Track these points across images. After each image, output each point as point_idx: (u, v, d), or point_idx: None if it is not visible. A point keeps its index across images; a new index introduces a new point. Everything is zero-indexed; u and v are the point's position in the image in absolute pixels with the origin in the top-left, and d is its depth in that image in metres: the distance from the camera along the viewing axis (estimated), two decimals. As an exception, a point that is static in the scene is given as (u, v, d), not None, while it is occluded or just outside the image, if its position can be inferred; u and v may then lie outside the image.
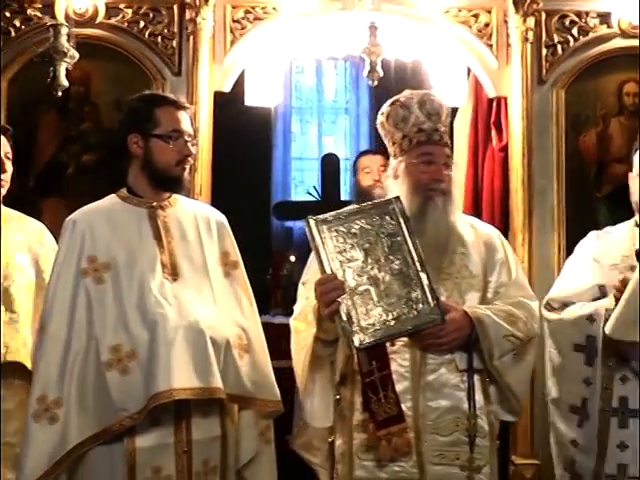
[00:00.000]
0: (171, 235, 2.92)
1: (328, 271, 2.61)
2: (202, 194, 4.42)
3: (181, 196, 3.05)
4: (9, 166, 3.41)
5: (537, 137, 4.59)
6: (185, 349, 2.74)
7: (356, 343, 2.58)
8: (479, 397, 2.79)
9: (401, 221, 2.70)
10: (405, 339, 2.76)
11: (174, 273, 2.86)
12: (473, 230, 2.99)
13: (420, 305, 2.65)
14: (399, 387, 2.72)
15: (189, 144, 2.89)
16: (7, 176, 3.40)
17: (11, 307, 3.32)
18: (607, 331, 2.97)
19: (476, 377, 2.80)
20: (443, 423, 2.75)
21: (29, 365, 3.20)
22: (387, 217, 2.70)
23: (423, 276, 2.66)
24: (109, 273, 2.82)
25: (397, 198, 2.74)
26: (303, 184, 8.17)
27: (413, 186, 2.85)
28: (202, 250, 2.95)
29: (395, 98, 2.94)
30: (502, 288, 2.93)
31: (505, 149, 4.74)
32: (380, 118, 2.98)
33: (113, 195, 2.98)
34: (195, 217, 3.00)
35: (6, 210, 3.48)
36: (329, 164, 7.48)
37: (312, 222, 2.64)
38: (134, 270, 2.82)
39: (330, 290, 2.58)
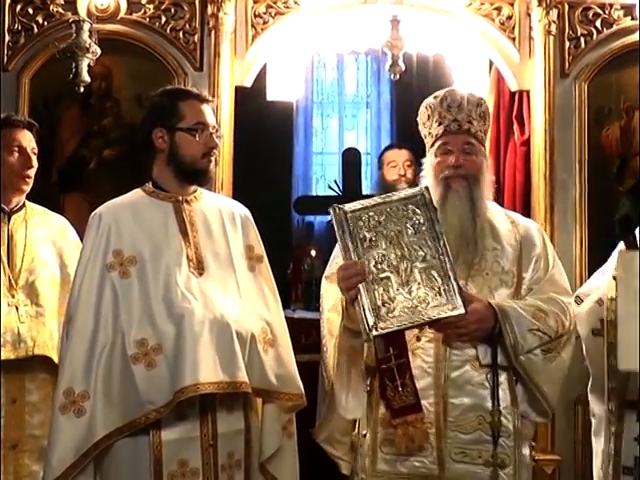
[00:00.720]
0: (196, 229, 2.91)
1: (350, 258, 2.61)
2: (223, 189, 4.43)
3: (206, 190, 3.06)
4: (35, 162, 3.44)
5: (559, 131, 4.56)
6: (211, 343, 2.74)
7: (371, 329, 2.57)
8: (504, 396, 2.75)
9: (427, 211, 2.68)
10: (431, 334, 2.75)
11: (200, 267, 2.86)
12: (511, 223, 2.96)
13: (441, 295, 2.62)
14: (422, 383, 2.70)
15: (214, 136, 2.89)
16: (33, 172, 3.44)
17: (37, 301, 3.36)
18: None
19: (503, 376, 2.76)
20: (465, 421, 2.72)
21: (55, 358, 3.24)
22: (413, 207, 2.68)
23: (446, 266, 2.64)
24: (135, 267, 2.81)
25: (426, 188, 2.73)
26: (324, 178, 8.14)
27: (433, 178, 2.86)
28: (227, 244, 2.94)
29: (425, 101, 2.98)
30: (536, 285, 2.89)
31: (527, 143, 4.72)
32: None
33: (138, 189, 2.98)
34: (220, 211, 3.00)
35: (30, 205, 3.52)
36: (350, 158, 7.45)
37: (336, 210, 2.65)
38: (160, 264, 2.81)
39: (351, 276, 2.58)
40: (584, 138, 4.57)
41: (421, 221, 2.67)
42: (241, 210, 3.07)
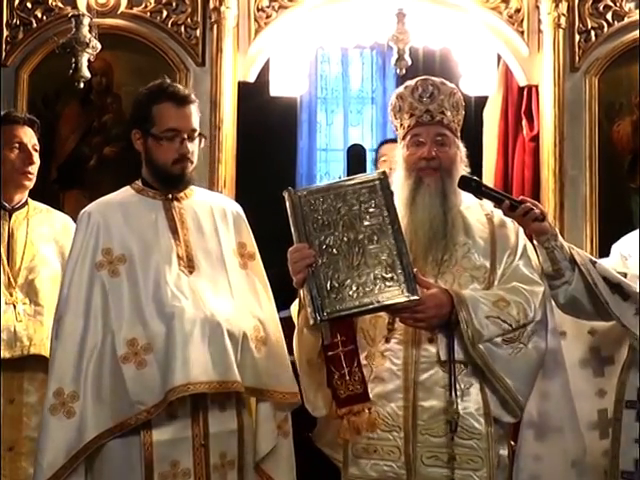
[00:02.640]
0: (187, 227, 2.90)
1: (300, 241, 2.58)
2: (226, 185, 4.41)
3: (197, 187, 3.04)
4: (37, 158, 3.43)
5: (569, 126, 4.52)
6: (202, 342, 2.73)
7: (317, 314, 2.52)
8: (476, 398, 2.70)
9: (383, 196, 2.64)
10: (400, 336, 2.71)
11: (190, 265, 2.84)
12: (485, 216, 2.90)
13: (394, 280, 2.57)
14: (390, 386, 2.70)
15: (186, 142, 2.84)
16: (35, 168, 3.43)
17: (36, 300, 3.34)
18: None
19: (474, 378, 2.71)
20: (436, 424, 2.68)
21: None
22: (369, 191, 2.65)
23: (401, 251, 2.59)
24: (124, 266, 2.81)
25: (382, 173, 2.71)
26: (328, 175, 8.10)
27: (403, 171, 2.84)
28: (218, 242, 2.93)
29: (395, 91, 2.95)
30: (504, 277, 2.83)
31: (536, 139, 4.68)
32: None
33: (128, 187, 2.97)
34: (211, 208, 2.98)
35: (33, 203, 3.51)
36: (355, 155, 7.41)
37: (288, 193, 2.64)
38: (150, 263, 2.81)
39: (299, 259, 2.56)
40: (594, 134, 4.52)
41: (376, 205, 2.64)
42: (233, 207, 3.06)
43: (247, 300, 2.91)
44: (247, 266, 2.97)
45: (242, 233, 3.01)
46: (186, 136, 2.84)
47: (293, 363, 2.94)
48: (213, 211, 2.97)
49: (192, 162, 2.88)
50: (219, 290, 2.85)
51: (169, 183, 2.90)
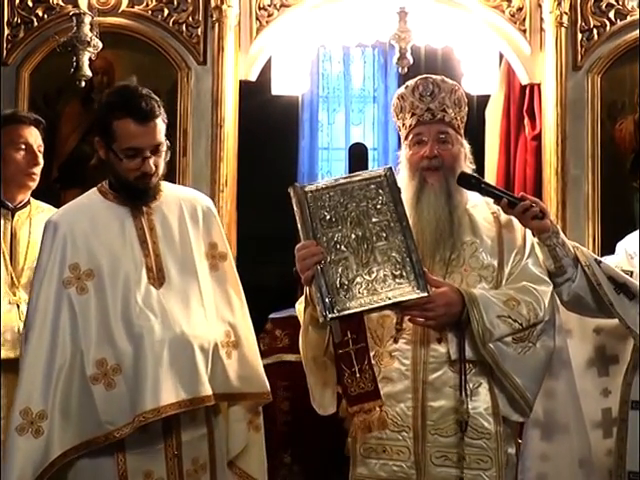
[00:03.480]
0: (156, 235, 2.82)
1: (308, 238, 2.56)
2: (227, 184, 4.38)
3: (166, 182, 2.93)
4: (41, 159, 3.41)
5: (571, 125, 4.50)
6: (171, 363, 2.68)
7: (328, 311, 2.50)
8: (485, 398, 2.70)
9: (390, 192, 2.63)
10: (408, 336, 2.70)
11: (160, 277, 2.78)
12: (492, 214, 2.88)
13: (403, 277, 2.56)
14: (399, 386, 2.69)
15: (148, 160, 2.72)
16: (39, 169, 3.41)
17: (35, 302, 3.30)
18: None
19: (483, 378, 2.70)
20: (445, 424, 2.67)
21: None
22: (376, 187, 2.63)
23: (410, 248, 2.58)
24: (92, 282, 2.73)
25: (389, 169, 2.68)
26: (330, 174, 8.09)
27: (407, 171, 2.82)
28: (189, 247, 2.85)
29: (396, 91, 2.94)
30: (512, 276, 2.81)
31: (538, 138, 4.67)
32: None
33: (95, 190, 2.89)
34: (181, 207, 2.88)
35: (35, 202, 3.49)
36: (357, 154, 7.40)
37: (294, 189, 2.61)
38: (118, 277, 2.74)
39: (307, 256, 2.52)
40: (597, 132, 4.50)
41: (384, 202, 2.62)
42: (203, 203, 2.96)
43: (218, 306, 2.88)
44: (218, 268, 2.91)
45: (213, 232, 2.93)
46: (149, 153, 2.72)
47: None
48: (183, 210, 2.87)
49: (157, 175, 2.78)
50: (190, 301, 2.80)
51: (133, 196, 2.80)
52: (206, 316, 2.82)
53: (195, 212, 2.90)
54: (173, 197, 2.91)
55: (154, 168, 2.74)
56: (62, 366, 2.69)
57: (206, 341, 2.76)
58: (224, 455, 2.91)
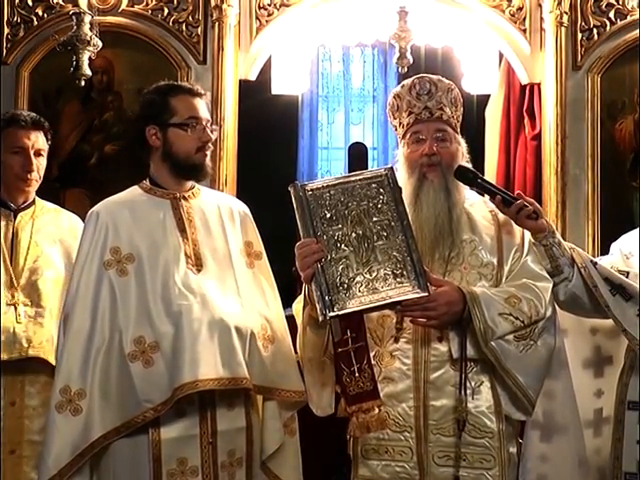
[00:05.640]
0: (194, 226, 2.90)
1: (308, 236, 2.56)
2: (227, 184, 4.40)
3: (204, 187, 3.05)
4: (41, 161, 3.39)
5: (571, 125, 4.50)
6: (210, 341, 2.72)
7: (328, 309, 2.50)
8: (487, 397, 2.70)
9: (391, 191, 2.63)
10: (409, 335, 2.70)
11: (198, 264, 2.85)
12: (490, 212, 2.88)
13: (403, 276, 2.56)
14: (401, 386, 2.69)
15: (208, 130, 2.88)
16: (35, 174, 3.37)
17: (38, 301, 3.30)
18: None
19: (485, 377, 2.71)
20: (447, 423, 2.68)
21: (53, 361, 3.15)
22: (376, 186, 2.63)
23: (410, 247, 2.58)
24: (132, 265, 2.81)
25: (389, 168, 2.69)
26: (330, 174, 8.08)
27: (406, 169, 2.83)
28: (226, 241, 2.93)
29: (392, 91, 2.95)
30: (512, 274, 2.82)
31: (538, 137, 4.67)
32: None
33: (136, 187, 2.98)
34: (218, 207, 2.99)
35: (41, 202, 3.48)
36: (356, 153, 7.40)
37: (294, 188, 2.61)
38: (157, 261, 2.81)
39: (308, 254, 2.53)
40: (597, 132, 4.50)
41: (384, 201, 2.62)
42: (239, 207, 3.06)
43: (254, 299, 2.91)
44: (254, 265, 2.97)
45: (249, 232, 3.01)
46: (207, 124, 2.87)
47: (299, 362, 2.94)
48: (220, 211, 2.98)
49: (210, 150, 2.91)
50: (226, 289, 2.85)
51: (191, 173, 2.91)
52: (243, 305, 2.85)
53: (232, 214, 3.00)
54: (211, 200, 3.02)
55: (214, 137, 2.89)
56: (101, 346, 2.74)
57: (243, 327, 2.79)
58: (260, 454, 2.90)
